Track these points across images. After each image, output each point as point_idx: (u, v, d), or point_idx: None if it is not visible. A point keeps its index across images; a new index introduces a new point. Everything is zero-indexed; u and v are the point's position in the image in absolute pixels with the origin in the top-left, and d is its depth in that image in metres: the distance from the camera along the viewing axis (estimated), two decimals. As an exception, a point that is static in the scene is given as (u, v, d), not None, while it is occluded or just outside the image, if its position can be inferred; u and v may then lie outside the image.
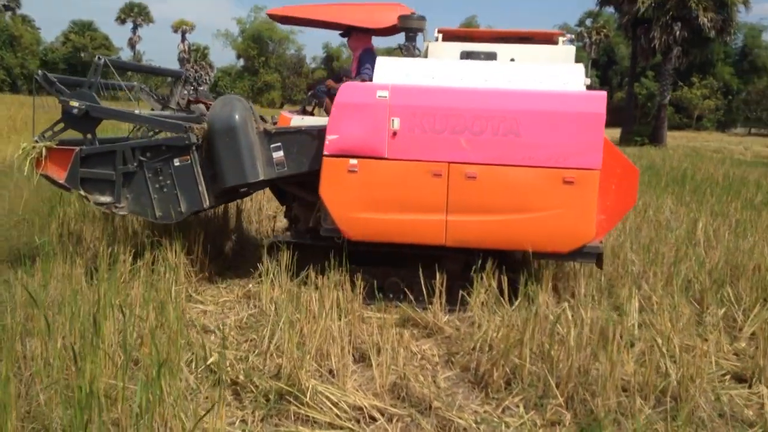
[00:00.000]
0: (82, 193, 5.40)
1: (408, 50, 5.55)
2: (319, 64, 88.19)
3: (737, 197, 11.16)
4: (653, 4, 33.45)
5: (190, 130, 5.28)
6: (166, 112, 6.17)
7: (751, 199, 11.24)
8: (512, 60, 5.47)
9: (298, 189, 5.79)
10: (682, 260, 6.50)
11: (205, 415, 3.07)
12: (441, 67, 5.24)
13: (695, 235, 7.71)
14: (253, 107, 5.60)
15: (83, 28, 70.06)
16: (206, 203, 5.41)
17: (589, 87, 5.15)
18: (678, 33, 33.39)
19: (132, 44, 73.96)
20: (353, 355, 4.33)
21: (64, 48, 68.48)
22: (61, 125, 5.50)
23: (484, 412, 3.81)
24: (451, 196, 5.06)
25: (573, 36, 6.01)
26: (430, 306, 5.10)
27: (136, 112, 5.52)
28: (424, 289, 5.19)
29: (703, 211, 9.41)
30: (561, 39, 5.77)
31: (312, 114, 5.80)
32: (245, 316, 5.11)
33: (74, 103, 5.33)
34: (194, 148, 5.30)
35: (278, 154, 5.36)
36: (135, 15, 73.11)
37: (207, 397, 3.74)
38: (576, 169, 4.99)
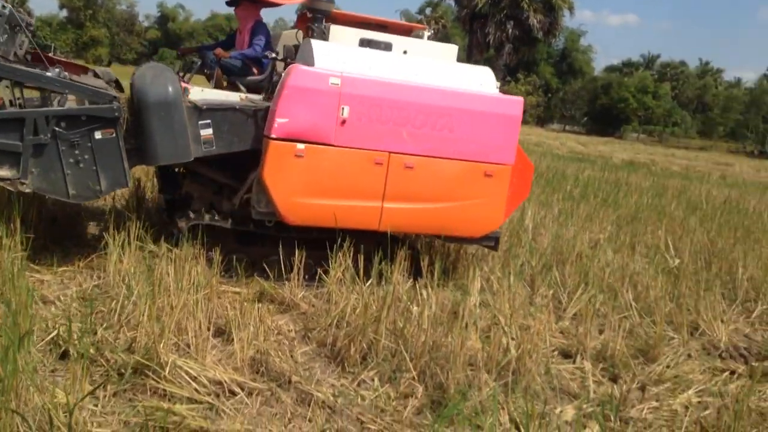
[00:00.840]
0: None
1: (320, 33, 5.43)
2: (153, 23, 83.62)
3: (559, 189, 12.21)
4: (490, 1, 35.35)
5: (117, 99, 4.75)
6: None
7: (571, 191, 12.33)
8: (405, 52, 5.64)
9: (210, 169, 5.48)
10: (516, 245, 7.05)
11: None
12: (376, 59, 5.29)
13: (524, 223, 8.35)
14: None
15: None
16: (129, 181, 4.96)
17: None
18: (510, 31, 35.59)
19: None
20: (210, 330, 4.27)
21: None
22: None
23: (341, 385, 3.94)
24: (389, 185, 5.25)
25: (432, 31, 6.26)
26: (287, 282, 5.13)
27: (48, 74, 4.74)
28: (282, 266, 5.21)
29: (530, 200, 10.17)
30: (425, 33, 5.99)
31: (186, 82, 5.47)
32: (89, 288, 4.84)
33: None
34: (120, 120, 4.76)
35: (207, 132, 5.01)
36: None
37: (53, 371, 3.54)
38: (495, 164, 5.51)
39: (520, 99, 5.64)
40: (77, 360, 3.56)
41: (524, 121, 59.16)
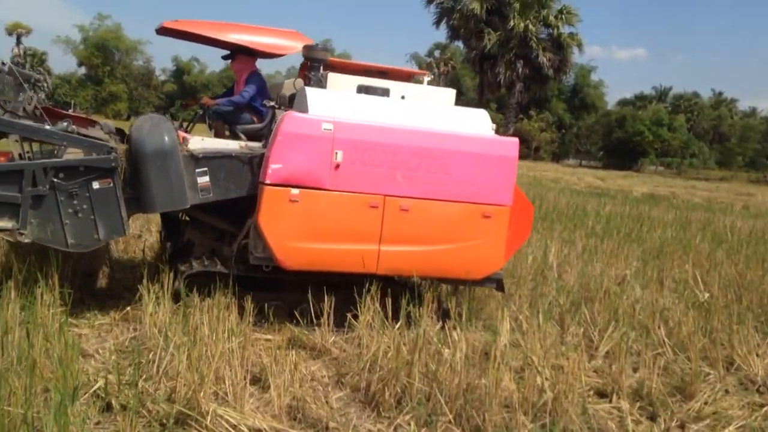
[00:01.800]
0: None
1: (317, 81, 5.56)
2: (169, 77, 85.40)
3: (581, 225, 12.20)
4: (498, 42, 35.78)
5: (114, 150, 4.91)
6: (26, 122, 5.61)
7: (593, 227, 12.31)
8: (403, 97, 5.76)
9: (208, 216, 5.57)
10: (542, 284, 7.05)
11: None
12: (370, 104, 5.40)
13: (548, 260, 8.36)
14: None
15: None
16: (128, 229, 5.08)
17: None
18: (521, 70, 35.91)
19: (-43, 45, 67.39)
20: (246, 378, 4.31)
21: None
22: None
23: (378, 430, 3.95)
24: (385, 228, 5.28)
25: (432, 76, 6.40)
26: (317, 328, 5.18)
27: (47, 127, 4.92)
28: (312, 312, 5.26)
29: (553, 238, 10.19)
30: (425, 78, 6.12)
31: (187, 131, 5.61)
32: (126, 340, 4.92)
33: None
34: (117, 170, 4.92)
35: (203, 179, 5.12)
36: (-37, 14, 66.83)
37: (98, 423, 3.60)
38: (493, 205, 5.51)
39: (515, 140, 5.63)
40: (122, 412, 3.63)
41: (539, 158, 59.69)
